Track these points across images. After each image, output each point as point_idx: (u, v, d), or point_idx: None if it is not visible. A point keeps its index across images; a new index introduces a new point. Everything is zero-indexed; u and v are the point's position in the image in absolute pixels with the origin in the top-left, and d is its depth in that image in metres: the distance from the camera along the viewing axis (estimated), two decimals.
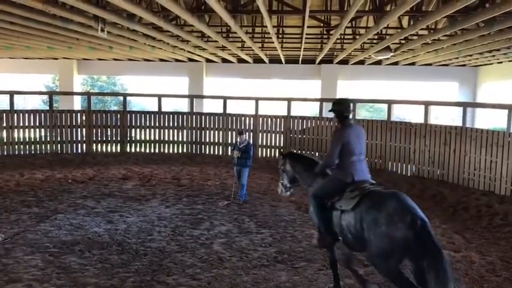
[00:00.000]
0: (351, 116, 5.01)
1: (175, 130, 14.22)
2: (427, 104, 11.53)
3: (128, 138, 14.23)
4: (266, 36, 11.84)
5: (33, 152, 13.50)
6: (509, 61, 14.42)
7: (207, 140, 14.12)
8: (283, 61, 16.78)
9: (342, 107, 4.90)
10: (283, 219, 8.02)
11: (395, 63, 16.66)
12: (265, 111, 14.06)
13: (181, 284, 5.28)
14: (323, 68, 17.74)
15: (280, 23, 10.96)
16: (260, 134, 13.76)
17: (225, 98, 14.11)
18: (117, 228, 7.28)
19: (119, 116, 14.18)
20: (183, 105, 19.68)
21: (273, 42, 11.52)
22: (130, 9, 6.78)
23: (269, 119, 13.74)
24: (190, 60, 17.10)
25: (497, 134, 9.47)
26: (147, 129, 14.26)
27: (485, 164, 9.65)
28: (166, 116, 14.20)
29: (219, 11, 7.23)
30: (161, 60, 18.08)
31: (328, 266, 5.54)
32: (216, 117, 14.06)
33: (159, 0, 6.23)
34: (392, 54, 12.21)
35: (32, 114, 13.60)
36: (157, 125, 14.17)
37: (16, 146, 13.39)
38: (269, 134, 13.72)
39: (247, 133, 11.75)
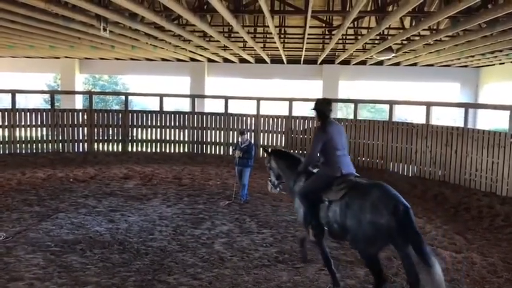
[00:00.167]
0: (331, 115, 5.23)
1: (177, 130, 14.23)
2: (428, 105, 11.50)
3: (130, 138, 14.23)
4: (268, 36, 11.83)
5: (34, 151, 13.52)
6: (511, 62, 14.40)
7: (209, 140, 14.13)
8: (285, 61, 16.78)
9: (323, 107, 5.14)
10: (284, 219, 8.02)
11: (397, 64, 16.64)
12: (267, 111, 14.06)
13: (182, 284, 5.28)
14: (325, 68, 17.74)
15: (282, 23, 10.96)
16: (261, 134, 13.76)
17: (226, 98, 14.12)
18: (118, 227, 7.29)
19: (120, 116, 14.20)
20: (184, 105, 19.68)
21: (274, 42, 11.53)
22: (132, 9, 6.79)
23: (270, 119, 13.74)
24: (192, 60, 17.12)
25: (498, 135, 9.44)
26: (149, 129, 14.27)
27: (486, 165, 9.63)
28: (168, 115, 14.20)
29: (221, 11, 7.23)
30: (163, 59, 18.10)
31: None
32: (218, 117, 14.07)
33: None
34: (394, 54, 12.21)
35: (33, 113, 13.62)
36: (158, 124, 14.17)
37: (18, 145, 13.41)
38: (270, 134, 13.72)
39: (248, 133, 11.74)
